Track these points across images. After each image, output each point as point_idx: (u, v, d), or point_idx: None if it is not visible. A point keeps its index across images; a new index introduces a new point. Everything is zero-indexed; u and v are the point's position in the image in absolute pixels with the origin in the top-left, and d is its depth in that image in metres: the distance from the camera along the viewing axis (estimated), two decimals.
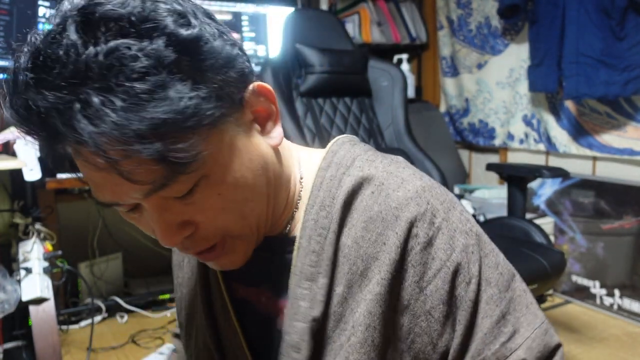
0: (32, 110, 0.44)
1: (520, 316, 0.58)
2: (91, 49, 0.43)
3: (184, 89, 0.45)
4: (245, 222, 0.54)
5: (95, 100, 0.42)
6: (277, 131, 0.56)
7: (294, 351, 0.56)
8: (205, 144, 0.47)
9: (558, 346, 0.60)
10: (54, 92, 0.43)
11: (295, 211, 0.61)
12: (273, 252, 0.61)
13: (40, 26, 1.77)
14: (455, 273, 0.55)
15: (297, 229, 0.59)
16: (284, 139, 0.60)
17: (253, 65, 0.58)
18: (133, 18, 0.45)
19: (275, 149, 0.57)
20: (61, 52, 0.44)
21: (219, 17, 0.61)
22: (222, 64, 0.49)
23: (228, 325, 0.64)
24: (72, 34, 0.44)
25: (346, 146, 0.61)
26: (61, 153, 0.47)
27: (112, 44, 0.43)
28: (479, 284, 0.56)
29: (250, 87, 0.53)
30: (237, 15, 2.44)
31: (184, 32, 0.46)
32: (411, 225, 0.54)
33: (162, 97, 0.44)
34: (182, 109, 0.44)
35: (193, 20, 0.48)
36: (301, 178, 0.61)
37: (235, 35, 0.63)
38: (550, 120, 2.45)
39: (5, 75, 1.71)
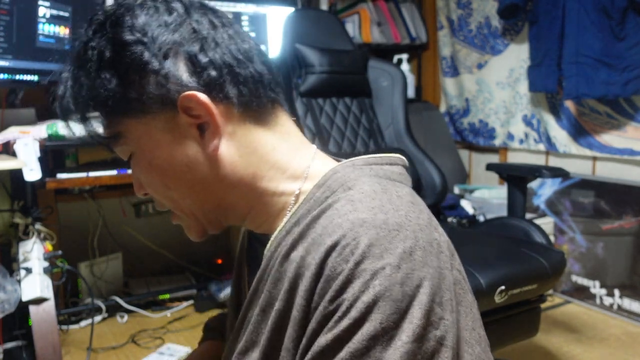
0: None
1: None
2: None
3: (107, 83, 0.56)
4: (177, 206, 0.62)
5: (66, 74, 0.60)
6: (212, 143, 0.57)
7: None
8: (125, 128, 0.58)
9: None
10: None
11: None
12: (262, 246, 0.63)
13: (40, 26, 1.77)
14: (326, 317, 0.50)
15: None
16: (278, 152, 0.60)
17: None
18: (108, 20, 0.57)
19: (214, 157, 0.58)
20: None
21: None
22: (152, 70, 0.55)
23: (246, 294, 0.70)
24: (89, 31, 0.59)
25: (348, 169, 0.58)
26: None
27: (84, 38, 0.58)
28: (337, 339, 0.49)
29: (183, 94, 0.55)
30: (237, 15, 2.44)
31: (126, 37, 0.55)
32: (327, 255, 0.50)
33: (92, 85, 0.56)
34: (100, 96, 0.56)
35: (151, 29, 0.56)
36: (297, 191, 0.60)
37: None
38: (550, 120, 2.45)
39: (7, 76, 1.71)
